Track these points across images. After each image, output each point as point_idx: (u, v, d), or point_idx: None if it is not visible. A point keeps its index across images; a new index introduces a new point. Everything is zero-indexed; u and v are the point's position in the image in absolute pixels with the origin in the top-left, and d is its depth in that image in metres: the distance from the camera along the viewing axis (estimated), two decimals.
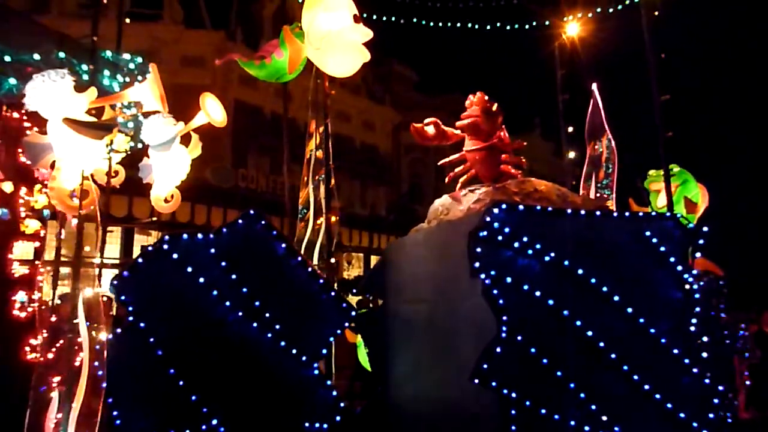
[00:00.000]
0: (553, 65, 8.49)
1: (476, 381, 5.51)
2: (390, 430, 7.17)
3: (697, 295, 6.20)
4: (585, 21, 8.00)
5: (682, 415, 5.94)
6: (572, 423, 5.66)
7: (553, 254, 5.79)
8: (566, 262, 5.81)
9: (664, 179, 6.63)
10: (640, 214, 6.21)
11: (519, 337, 5.61)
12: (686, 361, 6.04)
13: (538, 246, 5.76)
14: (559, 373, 5.67)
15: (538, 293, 5.70)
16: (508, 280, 5.64)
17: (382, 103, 27.58)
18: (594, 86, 7.95)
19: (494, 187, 6.66)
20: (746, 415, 10.81)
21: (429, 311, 6.81)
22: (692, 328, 6.11)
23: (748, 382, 7.43)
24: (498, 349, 5.57)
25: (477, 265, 5.61)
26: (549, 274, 5.79)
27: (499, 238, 5.67)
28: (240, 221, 5.98)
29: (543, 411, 5.60)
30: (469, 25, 9.23)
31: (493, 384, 5.54)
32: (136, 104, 6.96)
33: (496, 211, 5.71)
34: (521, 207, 5.81)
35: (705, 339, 6.16)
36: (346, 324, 6.16)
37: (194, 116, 7.16)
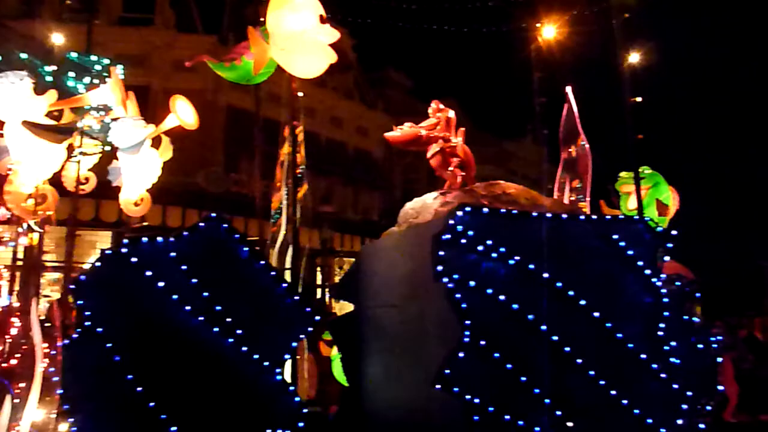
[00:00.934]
0: (532, 69, 8.43)
1: (438, 387, 5.42)
2: None
3: (666, 299, 6.12)
4: (561, 24, 7.93)
5: (649, 420, 5.86)
6: (537, 429, 5.58)
7: (518, 257, 5.71)
8: (531, 266, 5.73)
9: (635, 182, 6.56)
10: (608, 217, 6.13)
11: (482, 342, 5.54)
12: (654, 366, 5.96)
13: (502, 249, 5.68)
14: (523, 379, 5.59)
15: (502, 297, 5.63)
16: (472, 283, 5.57)
17: (376, 109, 27.51)
18: (568, 89, 7.88)
19: (462, 190, 6.59)
20: (732, 419, 10.71)
21: (399, 315, 6.74)
22: (660, 333, 6.02)
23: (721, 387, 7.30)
24: (460, 354, 5.49)
25: (440, 268, 5.54)
26: (514, 277, 5.71)
27: (463, 241, 5.60)
28: (202, 224, 5.89)
29: (507, 417, 5.52)
30: (451, 28, 9.18)
31: (456, 390, 5.46)
32: (104, 108, 6.91)
33: (459, 213, 5.64)
34: (485, 210, 5.75)
35: (674, 344, 6.06)
36: (310, 329, 6.06)
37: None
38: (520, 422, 5.54)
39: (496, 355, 5.55)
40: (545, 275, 5.75)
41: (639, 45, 6.75)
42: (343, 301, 7.84)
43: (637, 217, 6.43)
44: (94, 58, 6.82)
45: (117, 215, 18.71)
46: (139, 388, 5.51)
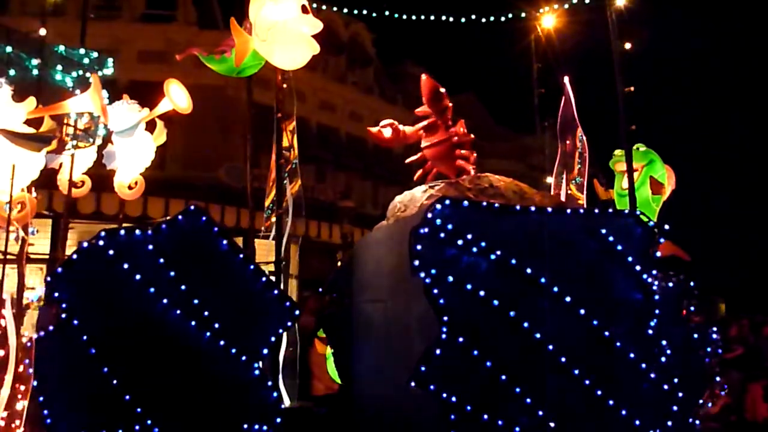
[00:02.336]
0: (533, 59, 8.26)
1: (413, 384, 5.30)
2: None
3: (657, 297, 5.91)
4: (560, 13, 7.74)
5: (637, 422, 5.67)
6: (517, 429, 5.42)
7: (499, 252, 5.55)
8: (513, 261, 5.57)
9: (627, 166, 6.35)
10: (596, 210, 5.93)
11: (460, 339, 5.39)
12: (643, 365, 5.76)
13: (483, 243, 5.52)
14: (503, 377, 5.44)
15: (482, 293, 5.47)
16: (450, 279, 5.42)
17: (395, 104, 27.37)
18: (566, 79, 7.69)
19: (447, 183, 6.45)
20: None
21: (385, 311, 6.63)
22: (650, 331, 5.82)
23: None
24: (437, 351, 5.36)
25: (416, 263, 5.40)
26: (495, 273, 5.56)
27: (441, 235, 5.45)
28: (180, 217, 5.83)
29: (485, 416, 5.37)
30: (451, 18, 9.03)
31: (432, 387, 5.33)
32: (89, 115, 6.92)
33: (438, 206, 5.50)
34: (465, 203, 5.60)
35: (664, 343, 5.86)
36: (290, 323, 5.98)
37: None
38: (500, 422, 5.39)
39: (475, 352, 5.41)
40: (528, 270, 5.58)
41: (637, 31, 6.54)
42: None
43: (627, 210, 6.23)
44: (82, 51, 6.80)
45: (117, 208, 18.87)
46: (114, 381, 5.48)
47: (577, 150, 7.49)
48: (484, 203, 5.66)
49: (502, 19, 8.18)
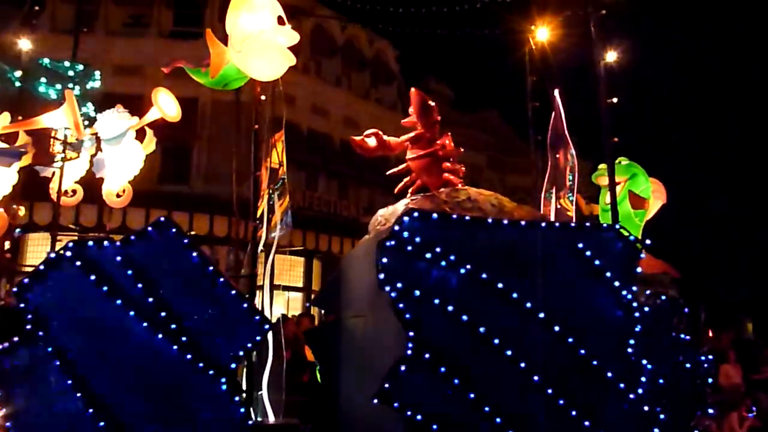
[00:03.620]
0: (526, 72, 8.11)
1: (375, 401, 5.16)
2: None
3: (637, 314, 5.69)
4: (554, 26, 7.59)
5: None
6: None
7: (469, 266, 5.40)
8: (484, 275, 5.41)
9: (609, 177, 6.15)
10: (573, 224, 5.75)
11: (427, 355, 5.24)
12: (621, 385, 5.53)
13: (452, 257, 5.38)
14: (472, 396, 5.26)
15: (451, 308, 5.32)
16: (417, 293, 5.28)
17: None
18: (556, 92, 7.52)
19: (423, 195, 6.32)
20: None
21: (365, 325, 6.51)
22: (630, 350, 5.60)
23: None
24: (403, 368, 5.21)
25: (382, 276, 5.28)
26: (465, 287, 5.40)
27: (409, 248, 5.33)
28: (150, 229, 5.79)
29: None
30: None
31: (396, 405, 5.18)
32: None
33: (406, 219, 5.38)
34: (435, 215, 5.46)
35: (645, 362, 5.63)
36: (258, 338, 5.87)
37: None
38: None
39: (443, 369, 5.24)
40: (500, 285, 5.42)
41: (620, 42, 6.36)
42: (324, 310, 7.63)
43: (606, 225, 6.03)
44: (67, 63, 6.86)
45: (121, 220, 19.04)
46: (78, 394, 5.43)
47: (568, 165, 7.31)
48: (455, 216, 5.52)
49: (497, 31, 8.03)
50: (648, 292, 6.52)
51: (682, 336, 6.43)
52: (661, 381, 6.05)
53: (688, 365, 6.32)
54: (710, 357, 6.46)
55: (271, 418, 7.52)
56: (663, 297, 6.38)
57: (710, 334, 19.55)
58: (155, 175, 22.60)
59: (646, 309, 6.28)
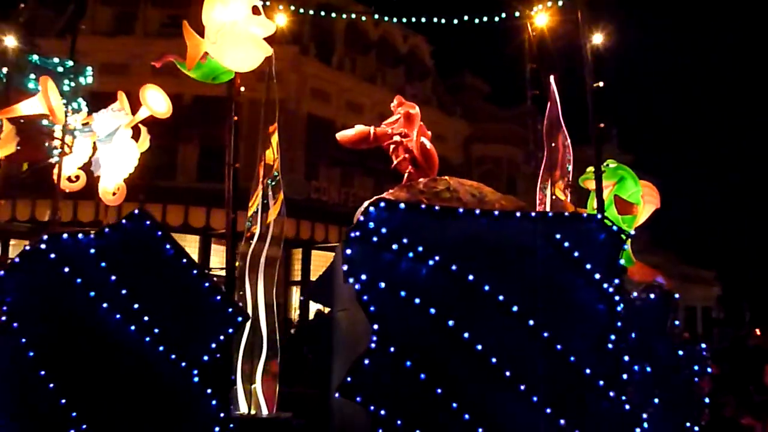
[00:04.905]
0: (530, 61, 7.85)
1: (337, 395, 5.05)
2: None
3: (619, 308, 5.44)
4: (552, 12, 7.33)
5: None
6: None
7: (438, 257, 5.24)
8: (454, 267, 5.24)
9: (595, 177, 5.90)
10: (550, 214, 5.52)
11: (392, 349, 5.10)
12: (600, 383, 5.30)
13: (420, 248, 5.23)
14: (438, 391, 5.10)
15: (417, 300, 5.17)
16: (382, 285, 5.15)
17: (453, 115, 27.06)
18: (551, 78, 7.27)
19: (402, 185, 6.19)
20: None
21: (347, 319, 6.40)
22: (610, 346, 5.36)
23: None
24: (366, 361, 5.09)
25: (345, 268, 5.17)
26: (434, 279, 5.24)
27: (375, 239, 5.19)
28: (125, 221, 5.79)
29: None
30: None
31: (358, 399, 5.06)
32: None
33: (372, 209, 5.25)
34: (402, 205, 5.31)
35: (626, 358, 5.38)
36: (231, 330, 5.81)
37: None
38: None
39: (408, 363, 5.10)
40: (470, 278, 5.24)
41: (610, 24, 6.09)
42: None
43: (585, 215, 5.78)
44: (56, 60, 6.91)
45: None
46: (51, 385, 5.46)
47: (565, 155, 7.06)
48: (423, 206, 5.36)
49: (496, 19, 7.79)
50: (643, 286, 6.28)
51: (677, 331, 6.16)
52: (653, 377, 5.83)
53: (684, 361, 6.04)
54: (705, 352, 6.15)
55: (264, 412, 7.49)
56: (657, 291, 6.12)
57: (758, 333, 18.86)
58: (194, 173, 23.02)
59: (638, 303, 6.06)
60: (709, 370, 6.17)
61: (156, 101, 7.31)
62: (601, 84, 5.91)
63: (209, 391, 5.66)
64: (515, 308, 5.25)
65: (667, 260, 29.02)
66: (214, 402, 5.65)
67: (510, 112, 25.87)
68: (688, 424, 6.03)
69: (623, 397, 5.31)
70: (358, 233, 5.18)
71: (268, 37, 6.33)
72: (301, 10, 10.11)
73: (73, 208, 17.40)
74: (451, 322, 5.16)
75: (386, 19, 10.78)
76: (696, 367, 6.09)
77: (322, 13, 11.06)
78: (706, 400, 6.27)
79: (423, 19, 8.39)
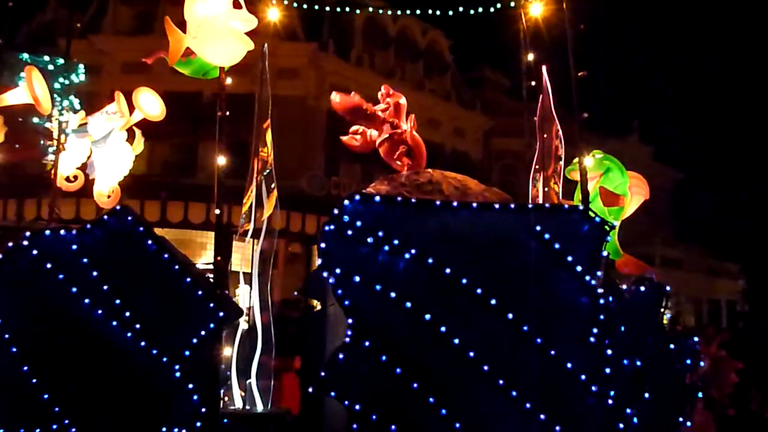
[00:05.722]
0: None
1: (310, 390, 5.02)
2: None
3: (601, 300, 5.32)
4: (547, 1, 7.19)
5: None
6: None
7: (414, 251, 5.17)
8: (430, 260, 5.17)
9: (579, 167, 5.78)
10: (530, 206, 5.41)
11: (367, 343, 5.05)
12: (582, 377, 5.18)
13: (396, 241, 5.16)
14: (415, 385, 5.04)
15: (393, 294, 5.11)
16: (357, 279, 5.10)
17: (473, 110, 26.89)
18: (543, 69, 7.13)
19: (384, 178, 6.12)
20: None
21: (335, 314, 6.36)
22: (593, 339, 5.24)
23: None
24: (341, 356, 5.05)
25: (320, 261, 5.13)
26: (410, 273, 5.18)
27: (349, 232, 5.14)
28: (106, 217, 5.82)
29: (393, 427, 4.99)
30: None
31: (333, 394, 5.02)
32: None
33: (346, 202, 5.20)
34: (377, 198, 5.25)
35: (609, 352, 5.26)
36: (212, 325, 5.80)
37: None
38: None
39: (384, 357, 5.04)
40: (447, 271, 5.16)
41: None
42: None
43: (569, 206, 5.64)
44: (47, 58, 6.98)
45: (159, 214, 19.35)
46: (34, 380, 5.51)
47: (555, 146, 6.94)
48: (399, 198, 5.29)
49: (491, 9, 7.67)
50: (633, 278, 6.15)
51: (667, 324, 6.02)
52: (642, 372, 5.69)
53: (673, 355, 5.90)
54: (697, 346, 6.00)
55: (260, 407, 7.48)
56: (647, 284, 5.98)
57: None
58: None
59: (628, 296, 5.94)
60: (701, 363, 6.01)
61: (149, 104, 7.32)
62: (585, 73, 5.78)
63: (191, 386, 5.67)
64: (493, 301, 5.16)
65: (691, 254, 28.57)
66: (195, 397, 5.65)
67: (530, 106, 25.62)
68: (680, 420, 5.90)
69: (607, 392, 5.18)
70: (332, 227, 5.13)
71: (252, 31, 6.30)
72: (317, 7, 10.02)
73: (75, 207, 17.61)
74: (427, 316, 5.08)
75: (380, 11, 10.65)
76: (688, 361, 5.93)
77: (338, 9, 10.96)
78: (699, 394, 6.11)
79: (418, 11, 8.31)
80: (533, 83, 7.67)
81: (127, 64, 22.39)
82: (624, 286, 6.02)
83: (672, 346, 5.94)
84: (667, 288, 5.98)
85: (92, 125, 7.50)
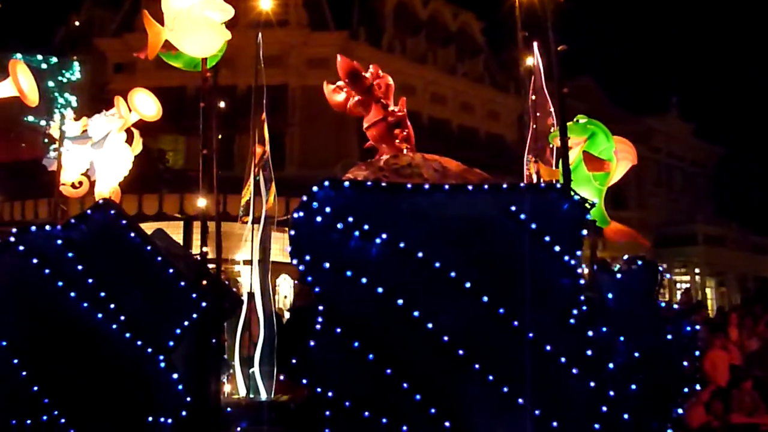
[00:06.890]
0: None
1: (282, 378, 5.00)
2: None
3: (582, 281, 5.16)
4: None
5: (554, 423, 4.99)
6: (405, 428, 4.95)
7: (385, 235, 5.09)
8: (402, 244, 5.08)
9: (560, 137, 5.58)
10: (505, 185, 5.26)
11: (338, 330, 5.00)
12: (563, 360, 5.04)
13: (366, 226, 5.09)
14: (389, 371, 4.97)
15: (364, 280, 5.04)
16: (326, 265, 5.04)
17: (507, 91, 26.53)
18: (534, 45, 6.93)
19: (360, 163, 6.05)
20: None
21: None
22: (572, 321, 5.09)
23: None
24: (312, 343, 5.01)
25: (289, 249, 5.09)
26: (383, 258, 5.10)
27: (319, 218, 5.09)
28: (90, 211, 5.89)
29: (366, 414, 4.94)
30: None
31: (304, 381, 4.99)
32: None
33: (315, 189, 5.14)
34: (346, 183, 5.18)
35: (590, 333, 5.10)
36: (195, 316, 5.83)
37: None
38: (384, 420, 4.94)
39: (356, 344, 4.99)
40: (420, 254, 5.07)
41: None
42: None
43: (545, 184, 5.47)
44: (40, 57, 7.09)
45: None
46: (23, 373, 5.63)
47: (550, 123, 6.76)
48: (369, 183, 5.22)
49: None
50: (626, 257, 5.95)
51: (662, 304, 5.82)
52: (636, 354, 5.51)
53: (669, 336, 5.68)
54: (696, 327, 5.77)
55: (263, 396, 7.53)
56: (639, 262, 5.78)
57: None
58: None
59: (619, 276, 5.76)
60: (697, 353, 5.78)
61: (144, 104, 7.36)
62: (565, 47, 5.60)
63: (175, 376, 5.71)
64: (468, 284, 5.05)
65: (734, 231, 27.63)
66: (180, 387, 5.70)
67: (564, 85, 25.10)
68: (671, 405, 5.69)
69: (590, 375, 5.04)
70: (301, 214, 5.08)
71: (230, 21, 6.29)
72: None
73: (80, 208, 17.99)
74: (400, 301, 5.00)
75: None
76: (684, 343, 5.72)
77: None
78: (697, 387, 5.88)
79: None
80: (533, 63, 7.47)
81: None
82: (617, 266, 5.85)
83: (668, 327, 5.72)
84: (661, 267, 5.76)
85: (92, 127, 7.58)
